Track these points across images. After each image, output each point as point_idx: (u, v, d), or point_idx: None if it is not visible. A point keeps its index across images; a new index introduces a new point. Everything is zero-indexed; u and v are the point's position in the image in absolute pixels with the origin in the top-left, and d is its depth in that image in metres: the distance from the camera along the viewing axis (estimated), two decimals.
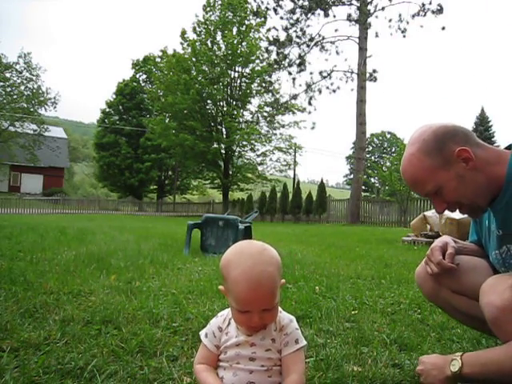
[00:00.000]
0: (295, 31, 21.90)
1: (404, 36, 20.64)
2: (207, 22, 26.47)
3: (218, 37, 26.28)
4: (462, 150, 1.26)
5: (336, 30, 21.40)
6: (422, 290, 1.65)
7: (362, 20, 19.89)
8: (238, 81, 27.16)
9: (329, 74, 21.54)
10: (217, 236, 5.44)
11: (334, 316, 2.29)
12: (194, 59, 25.92)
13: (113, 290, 2.75)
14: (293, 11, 21.70)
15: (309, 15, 21.62)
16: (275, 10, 22.11)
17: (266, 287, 0.98)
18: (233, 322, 1.13)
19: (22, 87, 36.93)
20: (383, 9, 20.30)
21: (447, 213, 6.68)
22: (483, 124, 40.33)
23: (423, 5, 19.55)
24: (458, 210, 1.36)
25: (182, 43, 27.08)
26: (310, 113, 24.13)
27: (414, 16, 19.95)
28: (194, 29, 26.75)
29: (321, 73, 21.63)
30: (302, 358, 1.11)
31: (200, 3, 27.29)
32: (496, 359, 1.23)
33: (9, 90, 36.70)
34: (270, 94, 26.58)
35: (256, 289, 0.97)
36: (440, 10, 19.45)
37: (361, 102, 19.66)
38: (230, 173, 27.77)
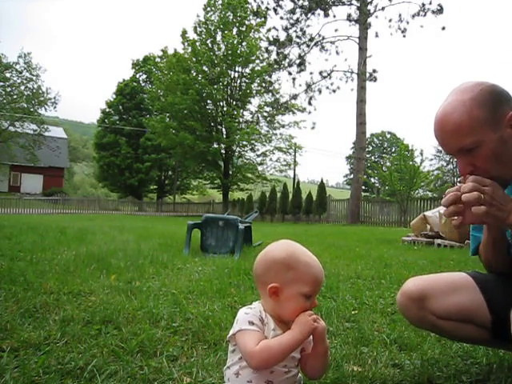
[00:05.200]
0: (295, 31, 21.93)
1: (404, 36, 20.68)
2: (207, 22, 26.47)
3: (218, 37, 26.29)
4: None
5: (336, 30, 21.46)
6: (407, 318, 1.56)
7: (362, 20, 19.90)
8: (238, 81, 27.17)
9: (329, 74, 21.54)
10: (217, 236, 5.44)
11: (333, 316, 2.29)
12: (194, 59, 25.94)
13: (113, 289, 2.75)
14: (293, 11, 21.71)
15: (309, 15, 21.63)
16: (275, 10, 22.13)
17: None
18: (268, 315, 1.13)
19: (22, 87, 36.97)
20: (383, 9, 20.34)
21: None
22: None
23: (423, 5, 19.58)
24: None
25: (182, 43, 27.11)
26: (309, 113, 24.20)
27: (414, 16, 19.98)
28: (195, 29, 26.76)
29: (321, 73, 21.65)
30: None
31: (201, 3, 27.37)
32: None
33: (9, 89, 36.74)
34: (270, 94, 26.58)
35: (322, 270, 1.15)
36: (440, 10, 19.47)
37: (361, 102, 19.66)
38: (230, 173, 27.77)
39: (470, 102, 1.19)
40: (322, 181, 22.11)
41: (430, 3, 19.49)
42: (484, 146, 1.20)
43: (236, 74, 26.92)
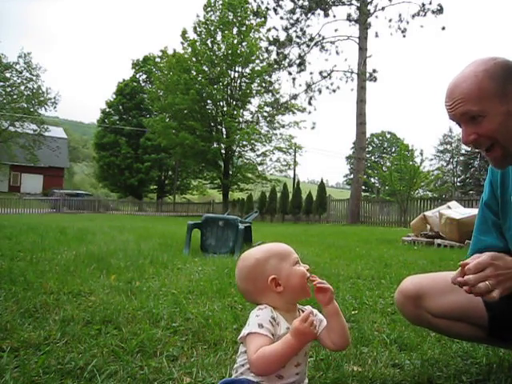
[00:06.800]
0: (295, 31, 21.91)
1: (404, 36, 20.66)
2: (207, 22, 26.48)
3: (218, 37, 26.30)
4: None
5: (336, 30, 21.42)
6: (404, 315, 1.59)
7: (362, 20, 19.89)
8: (238, 81, 27.17)
9: (329, 74, 21.52)
10: (217, 236, 5.44)
11: None
12: (194, 59, 25.94)
13: (113, 289, 2.75)
14: (293, 11, 21.69)
15: (309, 15, 21.61)
16: (275, 10, 22.11)
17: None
18: (278, 313, 1.15)
19: (22, 87, 36.95)
20: (383, 9, 20.31)
21: (447, 212, 6.68)
22: None
23: (423, 5, 19.56)
24: (484, 152, 1.27)
25: (182, 43, 27.12)
26: (310, 113, 24.16)
27: (414, 16, 19.95)
28: (195, 29, 26.76)
29: (321, 73, 21.63)
30: None
31: (201, 3, 27.36)
32: None
33: (9, 89, 36.72)
34: (270, 94, 26.59)
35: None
36: (440, 10, 19.46)
37: (361, 102, 19.65)
38: (230, 173, 27.77)
39: (482, 73, 1.21)
40: (322, 181, 22.11)
41: (430, 3, 19.49)
42: (489, 117, 1.21)
43: (236, 74, 26.94)
